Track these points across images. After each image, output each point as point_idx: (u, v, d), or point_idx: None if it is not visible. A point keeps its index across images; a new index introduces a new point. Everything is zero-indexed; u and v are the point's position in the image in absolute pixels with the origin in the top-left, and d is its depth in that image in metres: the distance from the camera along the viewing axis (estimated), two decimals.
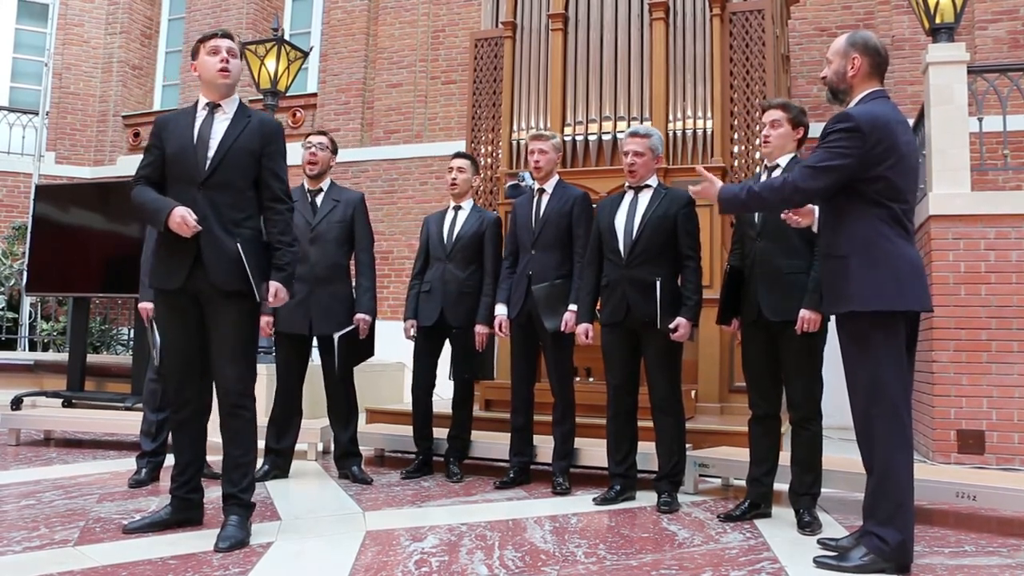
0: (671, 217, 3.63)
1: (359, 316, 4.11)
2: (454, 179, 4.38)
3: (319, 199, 4.20)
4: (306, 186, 4.23)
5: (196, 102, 3.06)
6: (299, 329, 4.08)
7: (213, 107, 3.02)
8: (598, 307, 3.81)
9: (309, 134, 4.32)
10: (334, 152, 4.33)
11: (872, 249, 2.68)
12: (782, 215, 3.05)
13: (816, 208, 2.99)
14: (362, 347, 4.15)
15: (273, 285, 2.97)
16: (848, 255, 2.71)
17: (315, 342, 4.24)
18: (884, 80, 2.88)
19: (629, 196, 3.75)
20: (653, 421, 3.65)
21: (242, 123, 3.01)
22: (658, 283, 3.54)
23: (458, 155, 4.49)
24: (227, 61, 3.01)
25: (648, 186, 3.73)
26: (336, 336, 4.04)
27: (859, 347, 2.72)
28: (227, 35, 3.09)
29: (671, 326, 3.53)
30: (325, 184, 4.24)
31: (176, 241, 2.89)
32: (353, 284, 4.20)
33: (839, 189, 2.72)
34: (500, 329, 4.09)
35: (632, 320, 3.61)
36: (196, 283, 2.92)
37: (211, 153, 2.94)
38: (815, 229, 3.04)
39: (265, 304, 3.01)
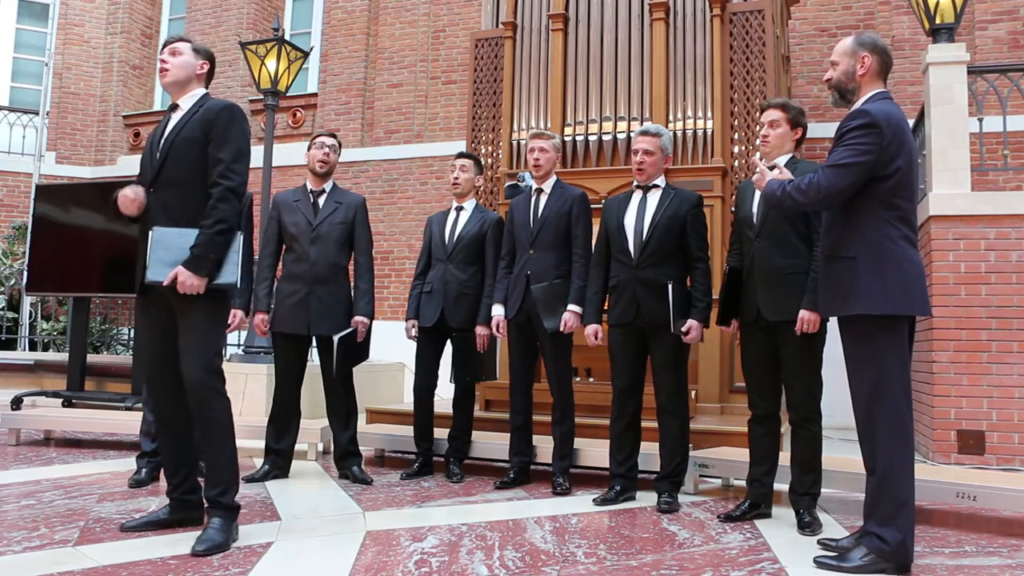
0: (681, 217, 3.61)
1: (357, 319, 4.11)
2: (456, 179, 4.37)
3: (322, 200, 4.20)
4: (309, 186, 4.23)
5: None
6: (297, 329, 4.09)
7: (172, 108, 3.03)
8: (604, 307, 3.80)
9: (319, 135, 4.29)
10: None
11: (880, 251, 2.68)
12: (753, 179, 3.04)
13: (767, 170, 2.98)
14: (358, 350, 4.14)
15: (173, 271, 2.76)
16: (856, 256, 2.71)
17: (314, 342, 4.24)
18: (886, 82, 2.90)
19: (637, 196, 3.73)
20: (658, 421, 3.65)
21: (190, 115, 2.97)
22: (670, 286, 3.51)
23: (461, 155, 4.48)
24: (164, 61, 3.02)
25: (656, 186, 3.71)
26: (335, 338, 4.04)
27: (862, 348, 2.72)
28: (175, 39, 3.07)
29: (683, 329, 3.53)
30: (328, 185, 4.24)
31: (141, 242, 2.91)
32: (351, 286, 4.20)
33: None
34: (497, 329, 4.08)
35: (641, 321, 3.60)
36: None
37: (158, 154, 2.94)
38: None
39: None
